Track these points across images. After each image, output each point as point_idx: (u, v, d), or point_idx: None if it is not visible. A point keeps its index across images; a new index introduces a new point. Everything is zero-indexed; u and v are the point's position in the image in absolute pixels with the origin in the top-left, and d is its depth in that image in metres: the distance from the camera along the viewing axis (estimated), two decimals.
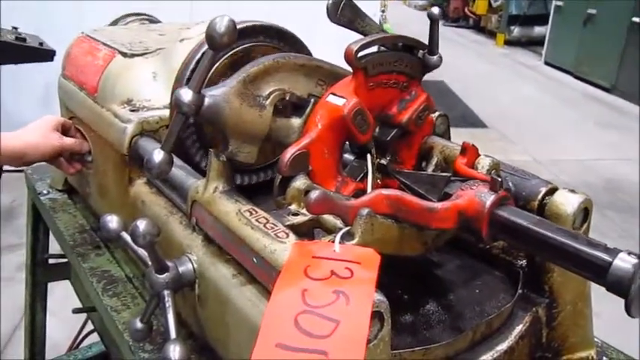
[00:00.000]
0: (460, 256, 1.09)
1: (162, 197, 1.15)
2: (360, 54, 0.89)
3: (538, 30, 10.33)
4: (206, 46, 1.13)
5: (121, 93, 1.27)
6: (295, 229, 0.84)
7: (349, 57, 0.87)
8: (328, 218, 0.85)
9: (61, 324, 2.51)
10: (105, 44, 1.39)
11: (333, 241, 0.77)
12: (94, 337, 2.12)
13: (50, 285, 2.05)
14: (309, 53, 1.23)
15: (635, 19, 7.21)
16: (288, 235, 0.80)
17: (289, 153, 0.87)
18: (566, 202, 0.92)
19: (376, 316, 0.68)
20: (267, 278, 0.79)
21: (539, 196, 0.94)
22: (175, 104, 0.82)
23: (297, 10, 4.05)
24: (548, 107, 7.42)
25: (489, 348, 0.88)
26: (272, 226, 0.82)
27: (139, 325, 0.97)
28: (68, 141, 1.36)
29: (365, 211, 0.79)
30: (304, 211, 0.87)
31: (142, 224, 0.84)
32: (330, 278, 0.69)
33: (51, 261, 1.97)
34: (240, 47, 1.16)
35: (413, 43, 0.96)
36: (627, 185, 5.20)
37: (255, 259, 0.81)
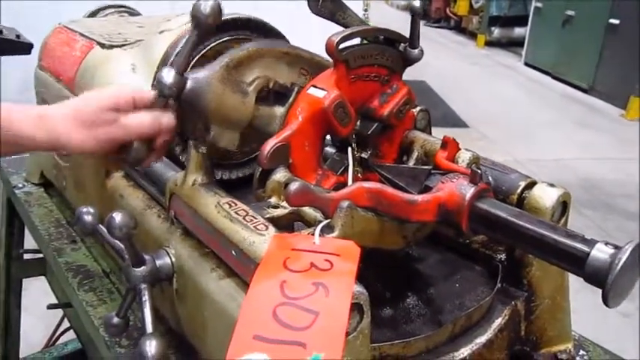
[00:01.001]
0: (440, 251, 1.09)
1: (140, 190, 1.14)
2: (342, 46, 0.88)
3: (518, 31, 10.42)
4: (183, 42, 1.14)
5: (99, 84, 1.24)
6: (275, 221, 0.83)
7: (330, 49, 0.87)
8: (308, 211, 0.84)
9: (38, 321, 2.47)
10: (83, 35, 1.37)
11: (313, 234, 0.76)
12: (71, 335, 2.09)
13: (27, 281, 2.02)
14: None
15: (612, 21, 7.31)
16: (267, 228, 0.79)
17: (269, 145, 0.86)
18: (545, 196, 0.92)
19: (355, 308, 0.68)
20: (246, 271, 0.78)
21: (519, 190, 0.95)
22: (157, 86, 0.80)
23: (282, 8, 4.01)
24: (527, 107, 7.50)
25: (469, 341, 0.88)
26: (251, 218, 0.81)
27: (115, 319, 0.96)
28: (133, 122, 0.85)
29: (345, 203, 0.78)
30: (284, 203, 0.86)
31: (118, 216, 0.82)
32: (310, 270, 0.69)
33: (26, 256, 1.94)
34: (221, 40, 1.15)
35: (394, 36, 0.96)
36: (604, 184, 5.29)
37: (234, 252, 0.80)
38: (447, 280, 1.01)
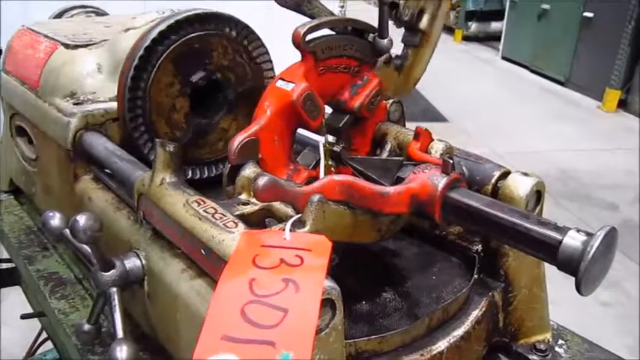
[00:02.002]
0: (416, 243, 1.08)
1: (109, 192, 1.11)
2: (309, 37, 0.86)
3: (495, 25, 10.52)
4: (152, 36, 1.11)
5: (64, 86, 1.21)
6: (246, 218, 0.81)
7: (297, 40, 0.85)
8: (279, 206, 0.82)
9: (16, 332, 2.41)
10: (46, 36, 1.33)
11: (284, 229, 0.74)
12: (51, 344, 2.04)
13: (5, 291, 1.96)
14: (259, 40, 1.20)
15: (587, 14, 7.40)
16: (237, 225, 0.77)
17: (237, 140, 0.84)
18: (519, 185, 0.91)
19: (327, 303, 0.66)
20: (216, 270, 0.76)
21: (493, 180, 0.94)
22: None
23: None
24: (506, 101, 7.57)
25: (446, 334, 0.87)
26: (220, 216, 0.79)
27: (86, 326, 0.93)
28: None
29: (316, 197, 0.76)
30: (255, 200, 0.84)
31: (82, 219, 0.80)
32: (280, 266, 0.67)
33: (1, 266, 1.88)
34: (188, 36, 1.13)
35: (362, 26, 0.94)
36: (581, 175, 5.35)
37: (203, 251, 0.78)
38: (424, 272, 1.00)
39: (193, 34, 1.13)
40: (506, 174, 0.95)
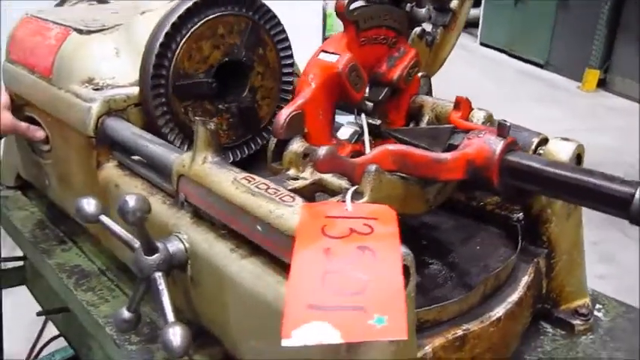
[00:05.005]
0: (454, 217, 1.07)
1: (137, 178, 1.08)
2: (351, 7, 0.85)
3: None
4: (174, 17, 1.08)
5: (80, 72, 1.17)
6: (297, 193, 0.80)
7: (340, 10, 0.83)
8: (331, 180, 0.81)
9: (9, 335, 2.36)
10: (56, 23, 1.29)
11: (343, 201, 0.73)
12: (54, 345, 2.01)
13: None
14: (279, 24, 1.18)
15: None
16: (294, 199, 0.75)
17: (284, 114, 0.82)
18: (561, 150, 0.91)
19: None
20: (276, 246, 0.75)
21: (533, 147, 0.94)
22: None
23: None
24: (486, 86, 7.61)
25: (501, 300, 0.87)
26: (274, 190, 0.77)
27: (126, 314, 0.90)
28: (22, 125, 1.27)
29: (373, 167, 0.75)
30: (304, 174, 0.83)
31: (131, 200, 0.77)
32: (351, 235, 0.66)
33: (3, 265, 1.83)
34: (209, 17, 1.10)
35: None
36: None
37: (259, 227, 0.76)
38: (467, 244, 0.99)
39: (213, 16, 1.11)
40: (545, 140, 0.95)
